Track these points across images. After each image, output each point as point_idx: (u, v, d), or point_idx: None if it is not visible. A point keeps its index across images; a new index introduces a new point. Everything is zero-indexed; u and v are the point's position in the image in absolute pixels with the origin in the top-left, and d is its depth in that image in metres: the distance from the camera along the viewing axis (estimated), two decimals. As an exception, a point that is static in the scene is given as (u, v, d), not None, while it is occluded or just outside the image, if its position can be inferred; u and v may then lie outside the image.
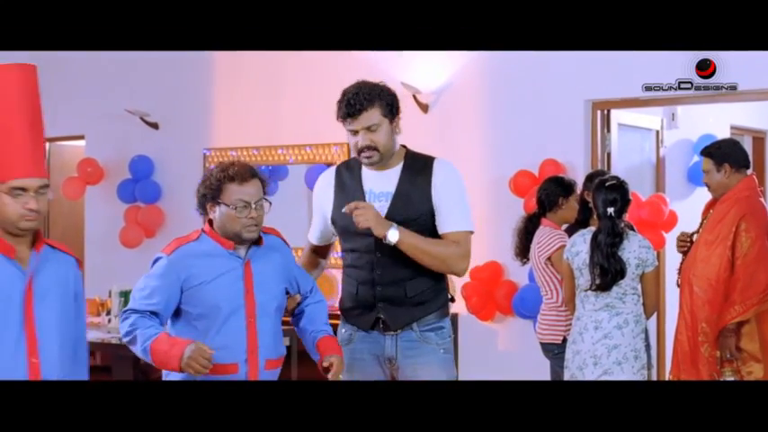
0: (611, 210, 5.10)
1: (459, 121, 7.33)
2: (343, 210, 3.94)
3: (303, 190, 7.88)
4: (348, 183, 4.10)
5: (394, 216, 3.97)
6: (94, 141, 9.11)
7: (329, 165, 7.87)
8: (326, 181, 4.19)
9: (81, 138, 9.29)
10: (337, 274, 6.01)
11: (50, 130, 9.74)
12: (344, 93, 4.02)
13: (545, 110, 7.06)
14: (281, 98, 8.16)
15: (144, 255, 8.62)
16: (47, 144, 9.51)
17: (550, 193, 5.76)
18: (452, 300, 4.20)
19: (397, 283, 3.99)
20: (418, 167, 4.05)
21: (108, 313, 6.64)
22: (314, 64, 7.91)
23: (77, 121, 9.19)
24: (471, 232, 4.05)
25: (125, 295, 6.62)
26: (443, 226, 4.01)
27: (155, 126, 8.72)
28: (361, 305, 4.07)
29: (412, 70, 7.23)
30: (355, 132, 3.98)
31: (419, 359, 4.02)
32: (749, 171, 5.44)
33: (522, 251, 5.82)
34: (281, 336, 3.95)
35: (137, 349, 3.74)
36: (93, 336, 6.37)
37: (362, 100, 3.95)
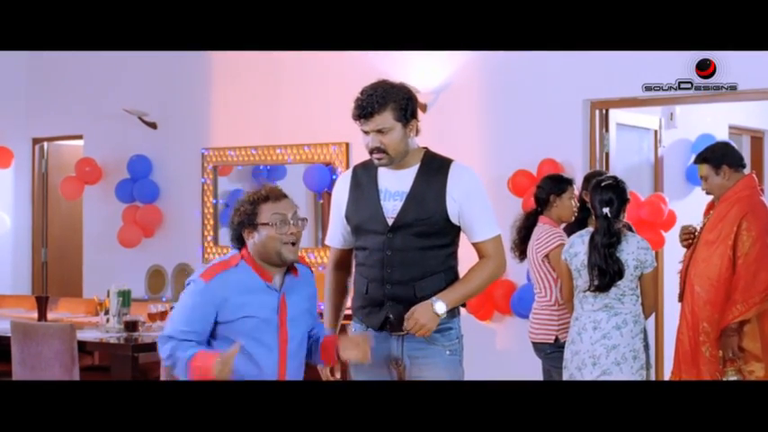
0: (606, 210, 5.10)
1: (458, 121, 7.32)
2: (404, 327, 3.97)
3: (302, 190, 7.87)
4: (364, 181, 4.13)
5: (406, 215, 4.00)
6: (93, 141, 9.10)
7: (328, 164, 7.89)
8: (343, 181, 4.22)
9: (79, 137, 9.29)
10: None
11: (49, 129, 9.81)
12: (360, 94, 4.03)
13: (543, 109, 7.06)
14: (279, 98, 8.16)
15: (142, 254, 8.65)
16: (45, 144, 9.55)
17: (543, 190, 5.76)
18: (464, 303, 4.20)
19: (406, 283, 4.00)
20: (434, 169, 4.07)
21: (106, 313, 6.62)
22: (312, 64, 7.91)
23: (76, 121, 9.19)
24: (499, 234, 4.13)
25: (123, 295, 6.59)
26: (474, 236, 4.08)
27: (153, 126, 8.72)
28: (371, 303, 4.08)
29: (411, 70, 7.23)
30: (364, 132, 4.02)
31: (424, 360, 4.03)
32: (746, 170, 5.44)
33: (520, 248, 5.82)
34: (302, 366, 4.01)
35: (178, 373, 3.79)
36: (92, 335, 6.36)
37: (374, 103, 3.97)
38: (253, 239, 3.81)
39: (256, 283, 3.83)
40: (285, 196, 3.86)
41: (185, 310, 3.82)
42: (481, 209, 4.08)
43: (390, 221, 4.02)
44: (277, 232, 3.77)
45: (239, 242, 3.87)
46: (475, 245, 4.11)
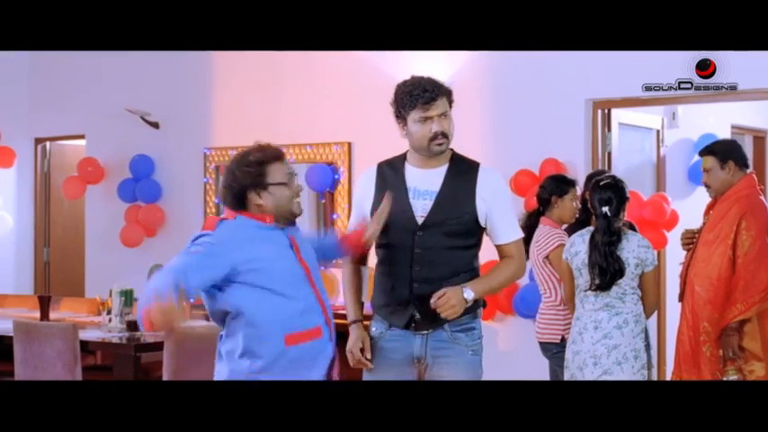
0: (605, 209, 5.11)
1: (460, 121, 7.22)
2: (432, 302, 3.98)
3: (304, 189, 7.86)
4: (391, 180, 4.13)
5: (436, 214, 4.02)
6: (95, 141, 9.12)
7: (330, 164, 7.89)
8: (367, 179, 4.21)
9: (81, 137, 9.30)
10: (337, 273, 6.01)
11: (51, 129, 9.81)
12: (415, 83, 4.05)
13: (546, 109, 7.06)
14: (281, 97, 8.17)
15: (144, 254, 8.65)
16: (47, 143, 9.56)
17: (545, 191, 5.77)
18: (485, 304, 4.23)
19: (433, 282, 4.00)
20: (463, 170, 4.10)
21: (108, 312, 6.64)
22: (314, 63, 7.92)
23: (78, 121, 9.20)
24: (522, 237, 4.22)
25: (125, 294, 6.61)
26: (499, 238, 4.14)
27: (155, 125, 8.72)
28: (396, 302, 4.07)
29: (413, 70, 7.17)
30: (427, 119, 4.01)
31: (447, 359, 4.04)
32: (749, 171, 5.44)
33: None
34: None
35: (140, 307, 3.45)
36: (94, 335, 6.37)
37: (438, 86, 4.03)
38: (261, 200, 3.74)
39: (261, 226, 3.76)
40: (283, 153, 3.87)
41: (193, 256, 3.64)
42: (507, 212, 4.14)
43: (420, 220, 4.04)
44: (289, 189, 3.78)
45: (238, 206, 3.76)
46: (499, 246, 4.16)
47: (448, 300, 3.94)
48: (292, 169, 3.84)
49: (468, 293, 3.98)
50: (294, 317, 3.72)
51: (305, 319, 3.74)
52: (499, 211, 4.09)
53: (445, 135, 4.03)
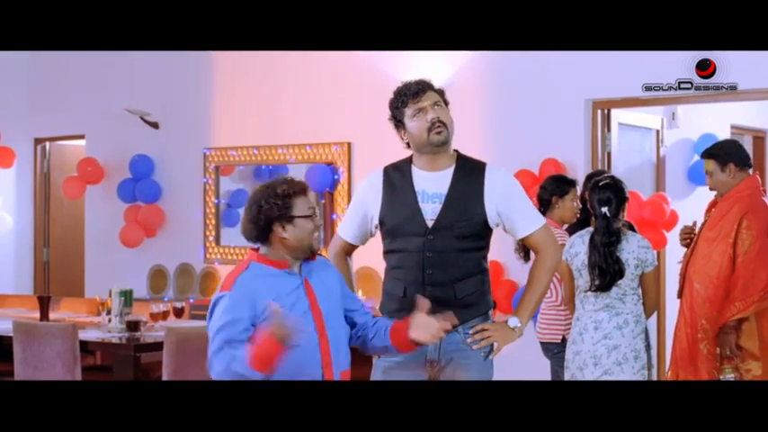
0: (604, 209, 5.11)
1: (460, 121, 7.23)
2: (474, 346, 4.05)
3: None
4: (398, 183, 4.11)
5: (446, 217, 4.01)
6: (95, 141, 9.12)
7: (329, 164, 7.89)
8: (373, 182, 4.18)
9: (81, 137, 9.31)
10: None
11: (51, 129, 9.82)
12: (403, 85, 4.09)
13: (545, 109, 7.06)
14: (281, 98, 8.17)
15: (144, 254, 8.66)
16: (47, 143, 9.56)
17: (545, 191, 5.77)
18: (495, 305, 4.24)
19: (446, 284, 4.01)
20: (470, 171, 4.09)
21: (108, 313, 6.63)
22: (314, 63, 7.92)
23: (78, 121, 9.20)
24: (545, 221, 4.20)
25: (125, 295, 6.60)
26: (523, 231, 4.12)
27: (155, 125, 8.73)
28: (409, 306, 4.00)
29: (413, 70, 7.21)
30: (421, 110, 4.03)
31: (459, 362, 4.04)
32: (751, 170, 5.44)
33: (524, 248, 5.82)
34: (347, 344, 3.88)
35: (243, 372, 3.55)
36: (94, 335, 6.36)
37: (426, 82, 4.08)
38: (285, 233, 3.72)
39: (276, 272, 3.72)
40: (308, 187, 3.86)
41: (224, 321, 3.64)
42: (522, 204, 4.13)
43: (430, 223, 4.02)
44: (310, 224, 3.73)
45: (262, 239, 3.76)
46: (525, 239, 4.15)
47: (491, 334, 4.04)
48: (314, 203, 3.81)
49: (514, 322, 4.09)
50: (286, 367, 3.60)
51: (299, 370, 3.65)
52: (514, 206, 4.09)
53: (442, 122, 4.02)
